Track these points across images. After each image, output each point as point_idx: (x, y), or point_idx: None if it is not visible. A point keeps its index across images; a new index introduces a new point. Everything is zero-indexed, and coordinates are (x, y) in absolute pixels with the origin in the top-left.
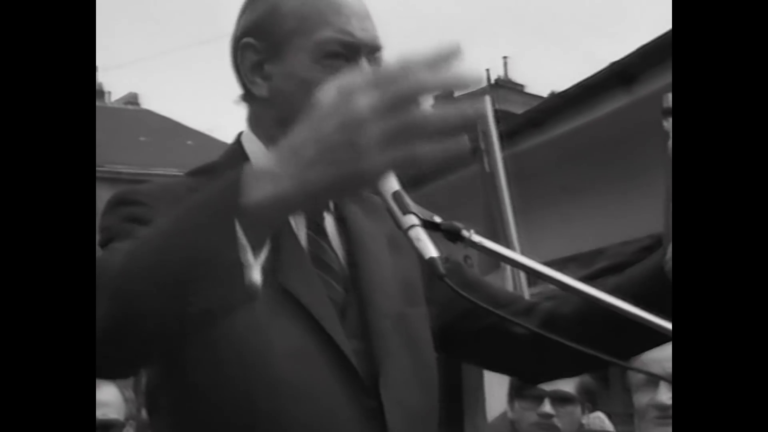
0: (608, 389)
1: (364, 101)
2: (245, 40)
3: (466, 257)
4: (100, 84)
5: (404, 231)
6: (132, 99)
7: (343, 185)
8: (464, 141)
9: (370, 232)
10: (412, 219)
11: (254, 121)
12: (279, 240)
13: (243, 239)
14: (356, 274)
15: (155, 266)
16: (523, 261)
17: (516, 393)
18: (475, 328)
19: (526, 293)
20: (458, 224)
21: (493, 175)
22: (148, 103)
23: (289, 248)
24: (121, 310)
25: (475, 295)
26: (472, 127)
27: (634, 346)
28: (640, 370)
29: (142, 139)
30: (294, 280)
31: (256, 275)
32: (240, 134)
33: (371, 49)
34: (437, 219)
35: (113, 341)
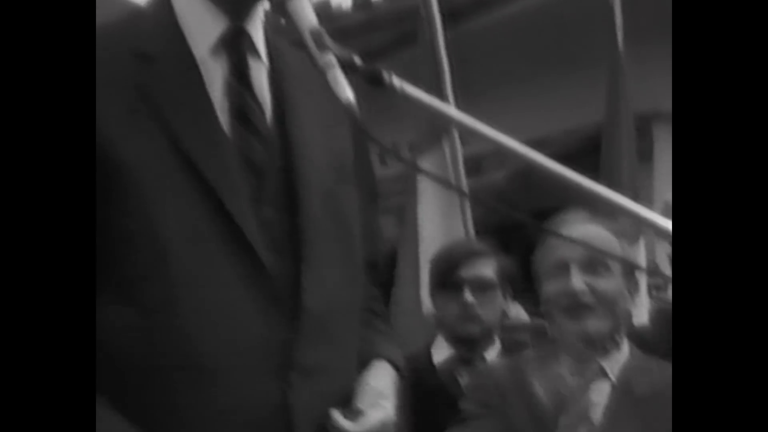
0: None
1: None
2: None
3: (393, 145)
4: None
5: (321, 69)
6: None
7: None
8: None
9: (304, 97)
10: (330, 58)
11: None
12: (186, 90)
13: None
14: (285, 139)
15: None
16: (451, 113)
17: (437, 284)
18: None
19: (472, 233)
20: (380, 67)
21: (432, 44)
22: None
23: (200, 108)
24: None
25: None
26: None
27: None
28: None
29: None
30: (200, 148)
31: None
32: None
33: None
34: (357, 60)
35: None
